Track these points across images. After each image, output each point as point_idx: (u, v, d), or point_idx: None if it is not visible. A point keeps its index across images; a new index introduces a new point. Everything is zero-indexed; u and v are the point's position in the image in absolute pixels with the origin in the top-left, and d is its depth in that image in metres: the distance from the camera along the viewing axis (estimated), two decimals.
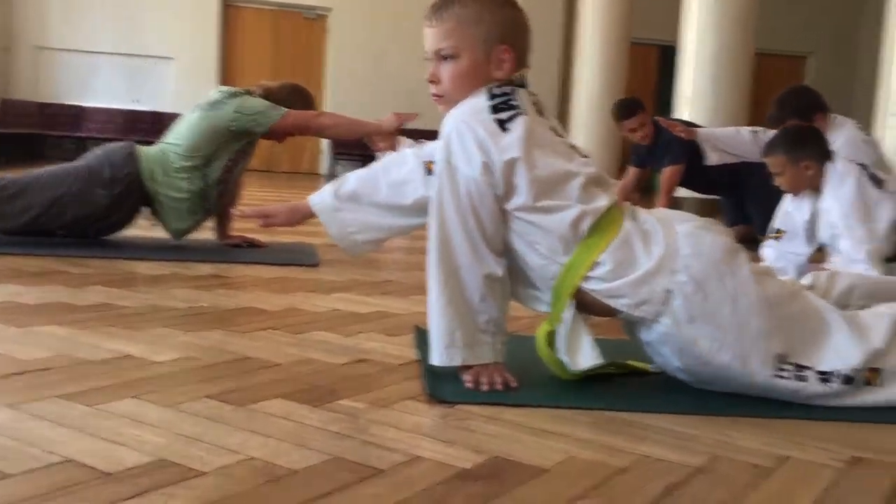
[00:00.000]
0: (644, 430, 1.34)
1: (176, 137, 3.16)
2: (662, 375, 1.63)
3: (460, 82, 1.55)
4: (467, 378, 1.51)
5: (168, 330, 1.84)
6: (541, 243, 1.51)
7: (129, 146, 3.15)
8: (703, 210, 7.77)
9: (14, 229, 3.00)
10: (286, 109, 3.18)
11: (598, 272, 1.49)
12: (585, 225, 1.49)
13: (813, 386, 1.49)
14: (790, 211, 2.66)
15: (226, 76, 12.16)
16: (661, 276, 1.48)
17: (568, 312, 1.52)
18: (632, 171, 5.28)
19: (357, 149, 12.15)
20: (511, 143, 1.46)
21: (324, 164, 12.92)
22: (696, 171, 4.93)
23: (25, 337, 1.70)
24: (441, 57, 1.56)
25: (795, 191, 2.60)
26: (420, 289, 2.60)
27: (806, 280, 1.83)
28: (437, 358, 1.50)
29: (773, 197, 5.15)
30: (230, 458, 1.10)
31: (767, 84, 10.05)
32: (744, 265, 1.51)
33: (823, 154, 2.59)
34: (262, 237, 3.49)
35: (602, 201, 1.51)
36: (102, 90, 11.69)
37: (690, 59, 7.91)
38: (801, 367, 1.48)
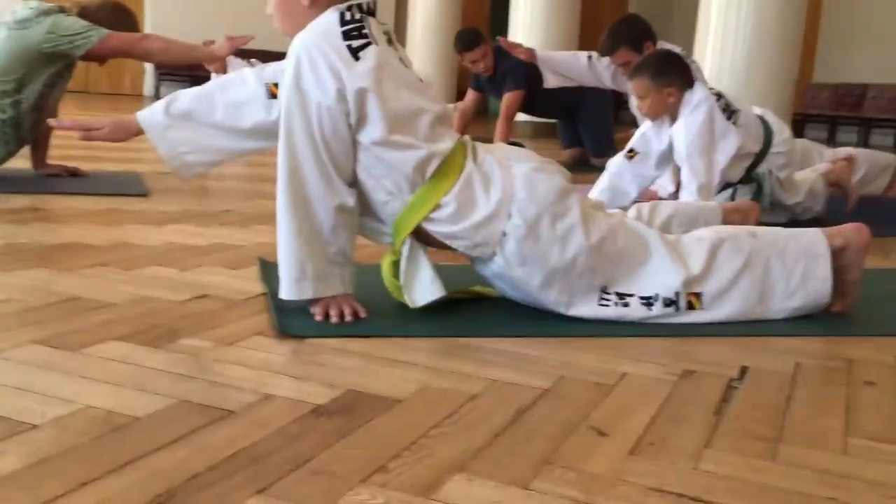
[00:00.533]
0: (492, 354, 1.37)
1: None
2: (504, 299, 1.67)
3: (282, 8, 1.49)
4: (316, 311, 1.49)
5: None
6: (387, 178, 1.48)
7: None
8: (540, 133, 8.00)
9: None
10: (107, 31, 2.92)
11: (439, 214, 1.50)
12: (432, 167, 1.49)
13: (636, 311, 1.57)
14: (647, 135, 2.74)
15: None
16: (498, 220, 1.51)
17: (406, 248, 1.52)
18: (470, 95, 5.31)
19: (184, 68, 11.53)
20: (363, 72, 1.42)
21: (147, 84, 12.19)
22: (535, 96, 5.02)
23: None
24: None
25: (656, 116, 2.68)
26: (261, 218, 2.53)
27: (631, 212, 1.91)
28: (286, 291, 1.47)
29: (605, 121, 5.36)
30: (65, 409, 1.03)
31: (592, 15, 10.31)
32: (574, 206, 1.57)
33: (686, 82, 2.67)
34: (84, 166, 3.26)
35: (447, 142, 1.51)
36: None
37: None
38: (622, 296, 1.57)
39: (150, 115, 1.77)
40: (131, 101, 10.83)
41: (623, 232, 1.62)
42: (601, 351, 1.42)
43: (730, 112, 2.80)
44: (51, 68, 2.91)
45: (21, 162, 3.08)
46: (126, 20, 3.13)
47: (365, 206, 1.54)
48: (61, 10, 2.94)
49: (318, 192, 1.44)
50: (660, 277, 1.59)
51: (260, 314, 1.52)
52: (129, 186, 2.98)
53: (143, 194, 2.85)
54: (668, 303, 1.58)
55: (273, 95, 1.73)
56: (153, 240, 2.11)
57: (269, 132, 1.73)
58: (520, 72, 4.96)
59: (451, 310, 1.59)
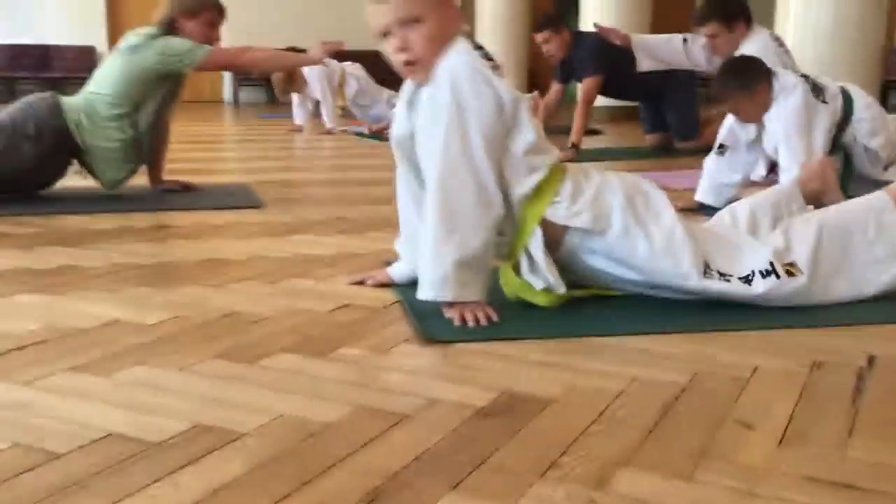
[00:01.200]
0: (627, 352, 1.46)
1: (100, 86, 3.06)
2: (625, 297, 1.76)
3: (432, 43, 1.60)
4: (454, 315, 1.60)
5: (144, 289, 1.85)
6: (529, 180, 1.63)
7: (53, 97, 3.04)
8: (617, 118, 7.99)
9: None
10: (210, 47, 3.10)
11: (561, 197, 1.67)
12: (551, 167, 1.68)
13: (739, 288, 1.68)
14: (733, 127, 2.79)
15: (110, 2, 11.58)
16: (603, 195, 1.69)
17: (536, 242, 1.65)
18: (555, 87, 5.35)
19: (261, 76, 11.85)
20: (508, 86, 1.61)
21: (226, 90, 12.55)
22: (622, 79, 5.06)
23: (5, 308, 1.70)
24: (406, 24, 1.59)
25: (758, 119, 2.73)
26: (374, 224, 2.67)
27: (713, 221, 1.99)
28: (429, 293, 1.58)
29: (693, 104, 5.36)
30: (263, 417, 1.17)
31: None
32: (658, 190, 1.76)
33: (768, 73, 2.71)
34: (193, 179, 3.46)
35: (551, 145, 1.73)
36: None
37: None
38: (724, 274, 1.69)
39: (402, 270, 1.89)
40: (212, 107, 11.20)
41: (707, 227, 1.85)
42: (728, 344, 1.49)
43: (817, 91, 2.80)
44: (163, 88, 3.10)
45: (137, 179, 3.28)
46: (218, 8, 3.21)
47: None
48: (167, 32, 3.11)
49: (470, 201, 1.57)
50: (750, 257, 1.72)
51: (400, 321, 1.64)
52: (244, 198, 3.15)
53: (259, 206, 3.02)
54: (767, 273, 1.68)
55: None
56: (283, 251, 2.26)
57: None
58: (597, 57, 5.00)
59: (576, 310, 1.69)
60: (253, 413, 1.18)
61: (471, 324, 1.58)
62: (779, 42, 3.56)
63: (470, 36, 1.68)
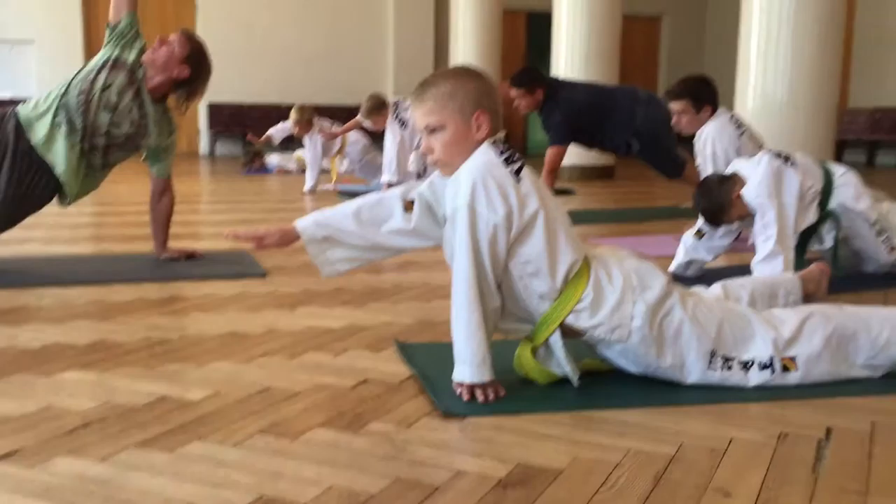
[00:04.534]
0: (620, 426, 1.68)
1: None
2: (616, 372, 1.98)
3: (451, 149, 1.82)
4: (464, 392, 1.81)
5: (179, 365, 2.04)
6: (542, 283, 1.81)
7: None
8: (591, 176, 8.28)
9: None
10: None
11: (581, 306, 1.83)
12: (575, 269, 1.83)
13: (737, 374, 1.88)
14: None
15: (91, 55, 11.77)
16: (626, 304, 1.83)
17: (555, 337, 1.84)
18: (558, 151, 5.57)
19: (236, 127, 12.07)
20: (528, 192, 1.77)
21: (203, 143, 12.71)
22: (588, 134, 5.44)
23: (59, 385, 1.87)
24: (430, 130, 1.82)
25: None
26: (372, 295, 2.87)
27: (714, 289, 2.21)
28: (471, 375, 1.78)
29: (663, 149, 5.67)
30: (317, 489, 1.36)
31: (629, 43, 10.67)
32: (674, 291, 1.90)
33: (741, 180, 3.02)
34: (192, 244, 3.64)
35: (578, 245, 1.85)
36: None
37: (566, 24, 8.40)
38: (727, 359, 1.88)
39: (308, 228, 2.09)
40: (189, 158, 11.37)
41: (720, 305, 1.94)
42: (708, 417, 1.72)
43: (783, 157, 3.06)
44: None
45: (143, 246, 3.46)
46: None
47: (507, 309, 1.86)
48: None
49: (485, 293, 1.78)
50: (756, 342, 1.89)
51: (417, 396, 1.85)
52: (246, 267, 3.34)
53: (262, 274, 3.21)
54: (764, 366, 1.88)
55: (407, 209, 2.06)
56: (295, 325, 2.46)
57: (408, 236, 2.05)
58: (563, 127, 5.31)
59: (571, 385, 1.90)
60: (307, 485, 1.38)
61: (480, 399, 1.79)
62: (737, 124, 3.90)
63: (499, 140, 1.85)
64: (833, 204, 3.12)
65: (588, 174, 8.32)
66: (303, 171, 8.03)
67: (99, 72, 3.24)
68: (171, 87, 3.33)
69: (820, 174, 3.13)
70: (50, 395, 1.81)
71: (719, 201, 2.99)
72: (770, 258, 2.85)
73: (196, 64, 3.32)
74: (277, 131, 7.83)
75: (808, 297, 2.37)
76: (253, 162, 9.07)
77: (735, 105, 5.94)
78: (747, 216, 2.99)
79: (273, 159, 9.08)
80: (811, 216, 3.05)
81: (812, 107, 5.38)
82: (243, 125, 11.83)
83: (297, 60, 12.11)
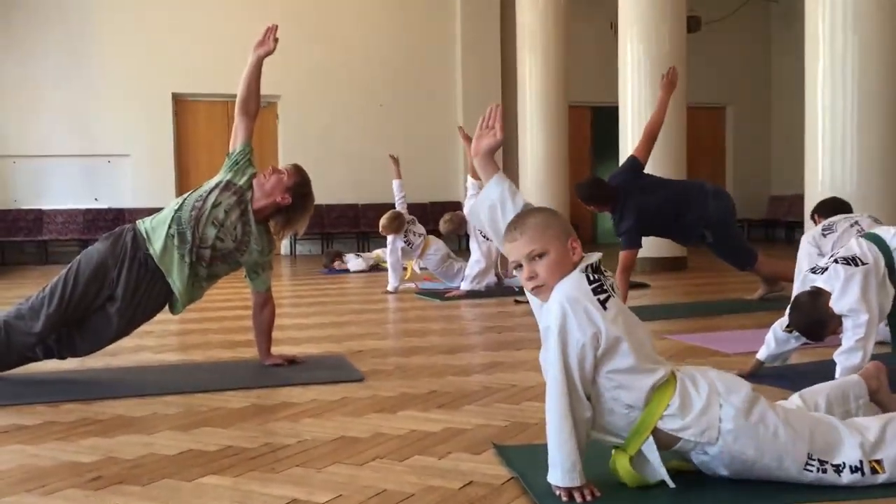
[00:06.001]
0: None
1: None
2: (701, 474, 2.12)
3: (555, 270, 2.04)
4: (562, 493, 1.98)
5: (303, 470, 2.26)
6: (629, 395, 2.00)
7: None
8: (665, 267, 8.39)
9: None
10: None
11: (669, 411, 2.00)
12: (661, 381, 2.01)
13: (830, 477, 2.02)
14: None
15: (181, 168, 12.52)
16: (712, 408, 2.00)
17: (647, 445, 2.01)
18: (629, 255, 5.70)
19: (315, 226, 12.59)
20: (612, 319, 1.97)
21: (284, 243, 13.23)
22: (659, 228, 5.64)
23: (201, 490, 2.11)
24: (533, 257, 2.05)
25: None
26: (464, 399, 3.07)
27: (794, 400, 2.34)
28: (562, 479, 1.96)
29: (733, 238, 5.85)
30: None
31: (694, 132, 10.91)
32: (760, 397, 2.07)
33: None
34: (287, 348, 3.91)
35: (663, 361, 2.04)
36: (61, 192, 11.91)
37: (631, 117, 8.67)
38: (822, 462, 2.02)
39: None
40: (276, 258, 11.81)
41: (803, 413, 2.12)
42: None
43: (850, 260, 3.15)
44: None
45: (247, 353, 3.74)
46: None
47: (597, 422, 2.04)
48: None
49: (576, 405, 1.96)
50: (845, 447, 2.03)
51: (520, 497, 2.02)
52: (344, 372, 3.59)
53: (360, 379, 3.45)
54: (854, 469, 2.01)
55: None
56: (399, 428, 2.67)
57: None
58: (634, 232, 5.48)
59: (661, 487, 2.05)
60: None
61: (579, 502, 1.96)
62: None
63: (592, 266, 2.04)
64: None
65: (661, 265, 8.43)
66: (376, 268, 9.06)
67: (211, 192, 3.60)
68: (274, 211, 3.66)
69: (876, 250, 3.19)
70: (194, 499, 2.05)
71: (818, 318, 3.12)
72: (852, 352, 3.02)
73: (299, 194, 3.66)
74: (353, 265, 9.14)
75: (872, 394, 2.48)
76: (333, 262, 9.47)
77: (805, 194, 6.10)
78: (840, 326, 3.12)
79: (351, 260, 9.46)
80: (891, 290, 3.16)
81: (879, 196, 5.53)
82: (322, 225, 12.36)
83: (372, 164, 12.67)
